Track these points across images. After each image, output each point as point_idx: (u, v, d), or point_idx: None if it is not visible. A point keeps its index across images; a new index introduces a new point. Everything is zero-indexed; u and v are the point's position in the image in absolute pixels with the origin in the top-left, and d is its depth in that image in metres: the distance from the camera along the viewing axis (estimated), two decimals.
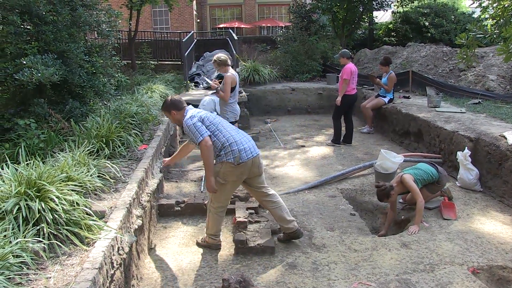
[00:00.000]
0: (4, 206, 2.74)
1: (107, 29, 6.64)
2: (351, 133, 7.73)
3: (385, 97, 8.43)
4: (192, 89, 11.51)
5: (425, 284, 3.33)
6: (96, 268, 2.37)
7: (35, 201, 2.78)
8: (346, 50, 7.92)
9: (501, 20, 5.32)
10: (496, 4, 5.46)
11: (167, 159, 4.51)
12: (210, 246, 3.99)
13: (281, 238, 4.07)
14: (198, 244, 4.06)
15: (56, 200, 2.82)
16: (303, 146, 7.67)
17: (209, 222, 3.93)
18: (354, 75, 7.47)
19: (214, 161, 3.70)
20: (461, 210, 4.69)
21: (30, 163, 3.33)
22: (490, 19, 5.90)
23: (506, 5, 5.33)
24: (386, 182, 4.64)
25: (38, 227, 2.67)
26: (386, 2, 14.92)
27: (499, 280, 3.54)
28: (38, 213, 2.71)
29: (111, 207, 3.29)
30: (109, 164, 4.01)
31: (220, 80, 5.83)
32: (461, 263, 3.62)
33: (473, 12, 15.67)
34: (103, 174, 3.83)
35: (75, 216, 2.85)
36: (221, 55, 6.04)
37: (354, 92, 7.61)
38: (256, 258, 3.76)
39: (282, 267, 3.63)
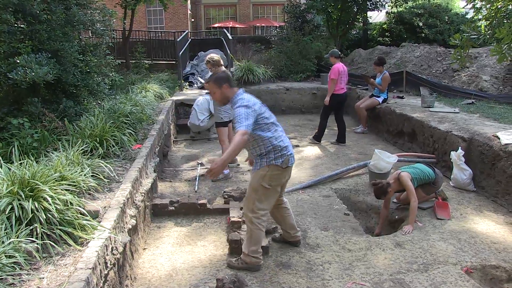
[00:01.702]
0: None
1: (102, 28, 6.61)
2: (344, 132, 7.76)
3: (379, 97, 8.45)
4: (187, 88, 11.50)
5: (419, 284, 3.34)
6: (90, 268, 2.36)
7: (28, 201, 2.76)
8: (336, 49, 7.98)
9: (494, 21, 5.37)
10: (489, 5, 5.51)
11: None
12: (251, 268, 3.52)
13: (275, 238, 4.07)
14: (233, 267, 3.57)
15: (50, 199, 2.81)
16: (297, 146, 7.67)
17: (249, 238, 3.51)
18: (342, 74, 7.50)
19: (257, 163, 3.46)
20: (455, 210, 4.72)
21: (23, 162, 3.31)
22: (484, 20, 5.94)
23: (499, 6, 5.37)
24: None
25: (31, 227, 2.65)
26: (380, 3, 14.97)
27: (492, 280, 3.56)
28: (31, 213, 2.70)
29: (105, 207, 3.28)
30: (103, 163, 3.99)
31: None
32: (455, 262, 3.64)
33: (467, 13, 15.79)
34: (97, 174, 3.82)
35: (68, 216, 2.84)
36: (213, 55, 6.05)
37: (343, 91, 7.64)
38: None
39: (276, 266, 3.63)
